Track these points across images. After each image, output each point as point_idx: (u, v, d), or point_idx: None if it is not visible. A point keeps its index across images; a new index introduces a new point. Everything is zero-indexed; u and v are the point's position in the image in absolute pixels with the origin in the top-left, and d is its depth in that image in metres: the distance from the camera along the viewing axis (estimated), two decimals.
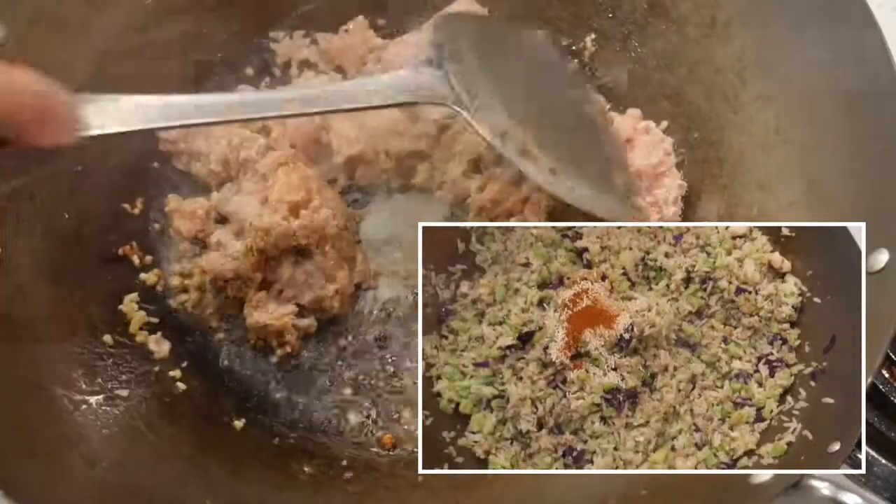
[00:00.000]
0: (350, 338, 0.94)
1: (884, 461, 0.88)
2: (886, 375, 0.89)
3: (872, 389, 0.87)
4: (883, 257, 0.68)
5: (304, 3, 1.05)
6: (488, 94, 0.79)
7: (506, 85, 0.82)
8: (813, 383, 0.72)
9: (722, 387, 0.73)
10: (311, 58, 1.06)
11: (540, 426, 0.72)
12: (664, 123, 0.97)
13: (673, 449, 0.72)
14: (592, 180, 0.83)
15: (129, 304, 0.88)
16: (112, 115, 0.66)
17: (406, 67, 0.80)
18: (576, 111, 0.92)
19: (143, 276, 0.92)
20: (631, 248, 0.76)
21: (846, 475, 0.60)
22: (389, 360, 0.92)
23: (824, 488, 0.61)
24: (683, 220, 0.93)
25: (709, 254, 0.76)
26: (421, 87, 0.78)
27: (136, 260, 0.92)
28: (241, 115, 0.73)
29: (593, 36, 1.02)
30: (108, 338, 0.85)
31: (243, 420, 0.86)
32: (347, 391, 0.91)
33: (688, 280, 0.76)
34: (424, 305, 0.76)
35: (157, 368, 0.87)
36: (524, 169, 0.78)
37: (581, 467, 0.71)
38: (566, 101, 0.92)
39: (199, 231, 0.94)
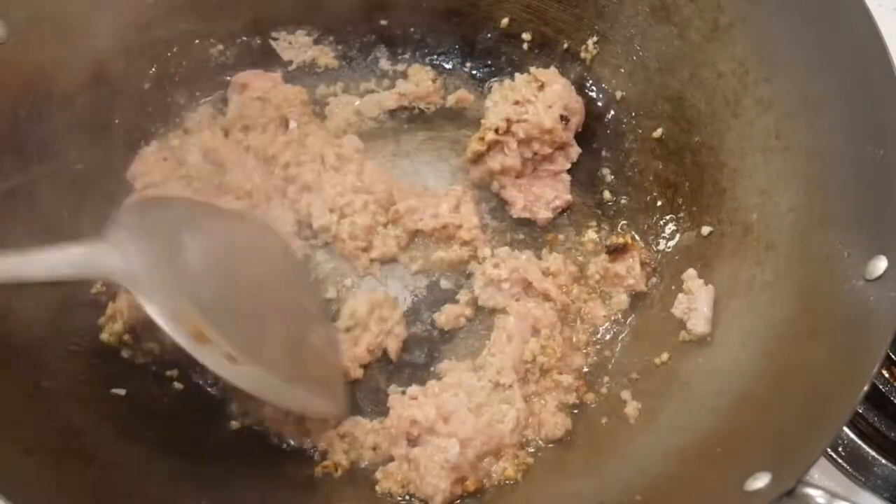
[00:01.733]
0: None
1: (884, 461, 0.88)
2: (886, 375, 0.89)
3: (872, 389, 0.87)
4: (881, 264, 0.68)
5: (306, 3, 1.04)
6: (164, 274, 0.75)
7: (190, 267, 0.79)
8: None
9: None
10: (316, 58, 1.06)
11: None
12: None
13: None
14: (281, 371, 0.79)
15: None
16: None
17: (80, 241, 0.75)
18: (280, 303, 0.88)
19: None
20: None
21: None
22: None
23: (819, 496, 0.61)
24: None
25: None
26: (89, 261, 0.73)
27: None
28: None
29: (595, 39, 1.02)
30: (105, 336, 0.86)
31: (240, 420, 0.86)
32: None
33: None
34: None
35: (154, 368, 0.87)
36: (195, 354, 0.74)
37: None
38: (268, 292, 0.87)
39: None
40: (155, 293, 0.74)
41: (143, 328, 0.85)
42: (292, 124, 1.00)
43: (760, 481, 0.63)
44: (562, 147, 1.00)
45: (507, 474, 0.82)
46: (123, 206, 0.81)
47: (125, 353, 0.85)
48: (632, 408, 0.84)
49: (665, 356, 0.87)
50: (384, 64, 1.09)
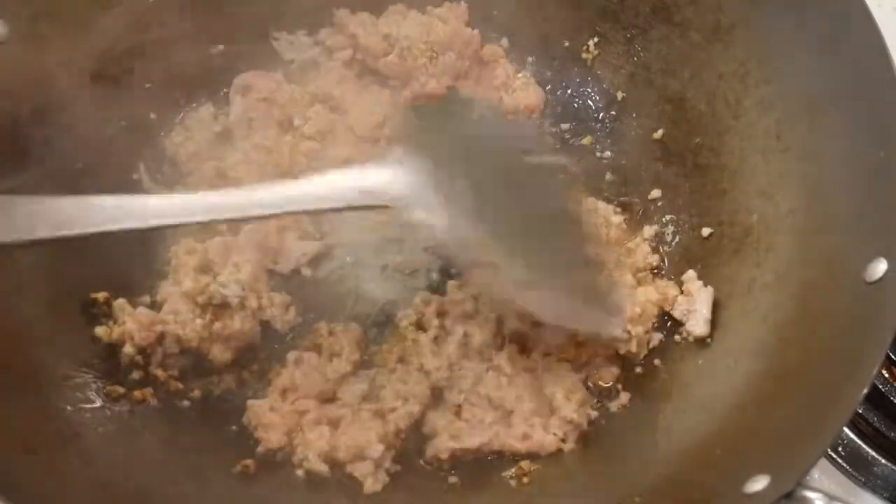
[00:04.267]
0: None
1: (884, 461, 0.88)
2: (886, 375, 0.89)
3: (872, 389, 0.87)
4: (881, 266, 0.68)
5: (307, 3, 1.04)
6: (449, 197, 0.71)
7: (468, 184, 0.73)
8: None
9: None
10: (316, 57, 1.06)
11: None
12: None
13: None
14: (575, 291, 0.75)
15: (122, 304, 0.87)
16: None
17: (364, 164, 0.72)
18: (551, 212, 0.80)
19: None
20: None
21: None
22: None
23: (818, 499, 0.61)
24: None
25: None
26: (377, 188, 0.70)
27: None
28: (182, 219, 0.71)
29: (596, 39, 1.02)
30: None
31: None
32: None
33: None
34: None
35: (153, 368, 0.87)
36: (488, 281, 0.72)
37: None
38: (539, 199, 0.79)
39: None
40: (440, 214, 0.70)
41: (153, 348, 0.85)
42: (297, 122, 1.00)
43: (759, 483, 0.63)
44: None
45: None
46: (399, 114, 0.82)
47: (135, 375, 0.84)
48: (629, 409, 0.85)
49: (664, 358, 0.87)
50: None
